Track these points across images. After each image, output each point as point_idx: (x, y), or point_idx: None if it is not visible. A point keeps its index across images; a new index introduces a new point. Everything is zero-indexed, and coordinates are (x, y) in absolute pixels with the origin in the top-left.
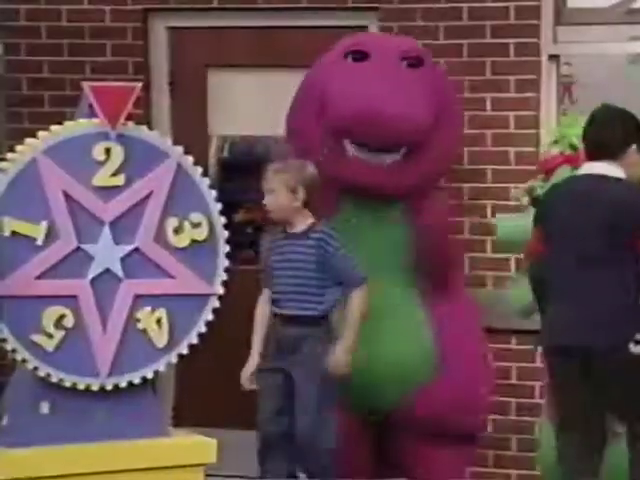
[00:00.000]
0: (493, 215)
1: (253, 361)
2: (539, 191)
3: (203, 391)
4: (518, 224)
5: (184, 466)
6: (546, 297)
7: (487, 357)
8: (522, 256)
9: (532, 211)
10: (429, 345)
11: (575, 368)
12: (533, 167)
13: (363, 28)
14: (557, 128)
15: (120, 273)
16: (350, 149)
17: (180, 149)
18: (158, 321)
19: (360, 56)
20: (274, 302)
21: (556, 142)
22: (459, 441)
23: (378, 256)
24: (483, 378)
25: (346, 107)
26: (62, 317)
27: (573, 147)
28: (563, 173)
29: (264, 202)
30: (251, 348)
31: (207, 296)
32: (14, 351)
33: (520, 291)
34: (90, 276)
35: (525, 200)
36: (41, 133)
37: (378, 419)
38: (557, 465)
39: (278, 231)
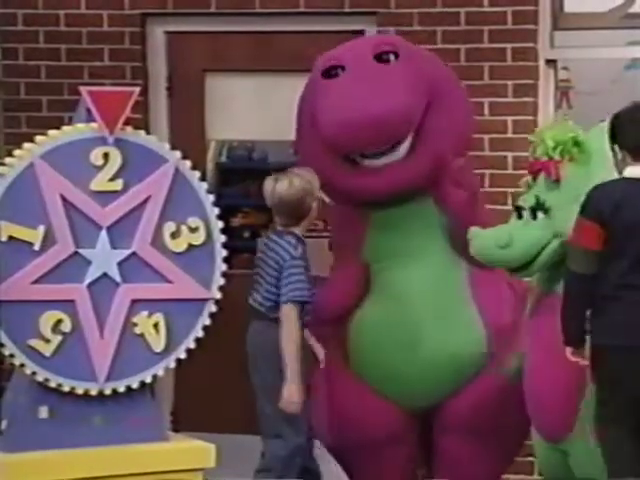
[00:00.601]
0: None
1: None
2: (524, 196)
3: (202, 396)
4: (492, 238)
5: (183, 471)
6: (590, 293)
7: None
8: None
9: (513, 219)
10: (479, 334)
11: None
12: (522, 171)
13: (360, 32)
14: (537, 131)
15: (117, 278)
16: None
17: (178, 154)
18: (155, 326)
19: (335, 71)
20: (306, 311)
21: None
22: (500, 444)
23: (417, 244)
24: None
25: (328, 127)
26: (59, 322)
27: (548, 154)
28: (542, 179)
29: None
30: (294, 371)
31: (204, 300)
32: (12, 356)
33: None
34: (87, 281)
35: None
36: (39, 137)
37: (423, 412)
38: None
39: (301, 240)
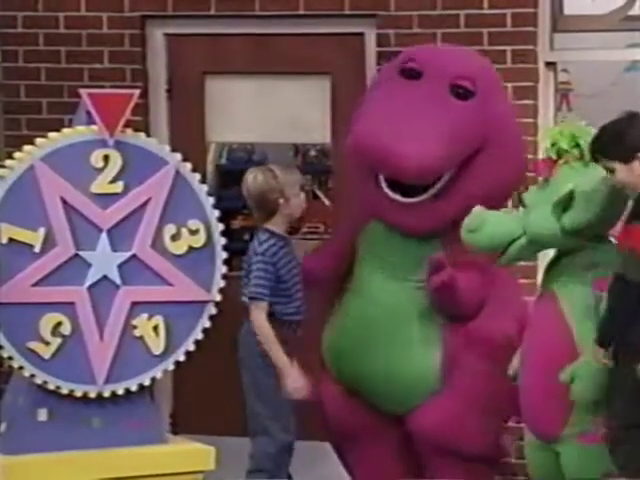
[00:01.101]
0: None
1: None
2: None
3: (201, 398)
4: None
5: (182, 473)
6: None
7: (501, 380)
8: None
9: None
10: (434, 362)
11: None
12: (531, 174)
13: (360, 35)
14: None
15: (117, 280)
16: (382, 183)
17: (178, 156)
18: (155, 328)
19: (412, 73)
20: (294, 310)
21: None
22: (464, 461)
23: (401, 267)
24: (488, 402)
25: (352, 136)
26: (59, 324)
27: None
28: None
29: (304, 202)
30: (284, 362)
31: (204, 303)
32: (10, 358)
33: None
34: (87, 283)
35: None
36: (39, 140)
37: (397, 416)
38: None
39: (276, 236)
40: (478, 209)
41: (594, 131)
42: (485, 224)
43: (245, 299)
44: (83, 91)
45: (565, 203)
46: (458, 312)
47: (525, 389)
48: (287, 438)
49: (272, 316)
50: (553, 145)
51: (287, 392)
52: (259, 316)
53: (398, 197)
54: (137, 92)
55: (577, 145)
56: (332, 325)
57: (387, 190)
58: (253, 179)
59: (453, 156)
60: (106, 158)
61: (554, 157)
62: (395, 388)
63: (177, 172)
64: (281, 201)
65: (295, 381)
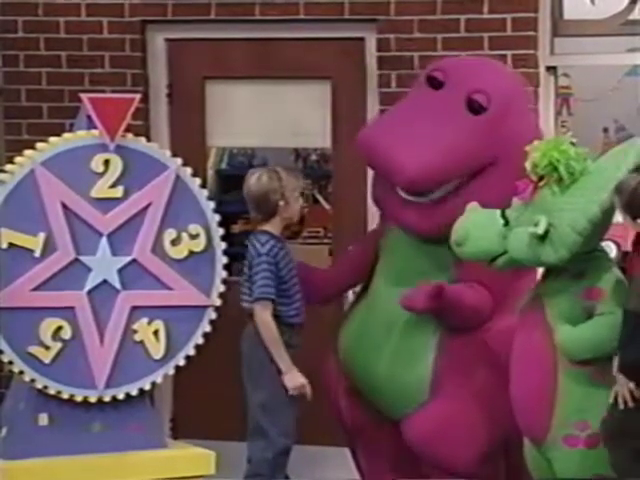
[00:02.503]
0: None
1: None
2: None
3: (201, 403)
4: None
5: (183, 478)
6: None
7: (491, 397)
8: None
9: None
10: (426, 372)
11: None
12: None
13: (361, 40)
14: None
15: (117, 285)
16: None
17: (178, 160)
18: (155, 332)
19: (435, 83)
20: (296, 312)
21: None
22: (449, 475)
23: (406, 273)
24: (474, 417)
25: (359, 138)
26: (59, 329)
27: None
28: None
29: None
30: (287, 361)
31: (204, 307)
32: (11, 363)
33: None
34: (87, 288)
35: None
36: (39, 144)
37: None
38: None
39: (275, 238)
40: (463, 218)
41: (579, 151)
42: (468, 239)
43: (246, 303)
44: (84, 96)
45: (542, 237)
46: (454, 324)
47: (514, 394)
48: (286, 442)
49: (276, 319)
50: (533, 168)
51: (290, 390)
52: (264, 314)
53: (407, 195)
54: (138, 97)
55: (555, 169)
56: (344, 326)
57: (398, 188)
58: (257, 179)
59: (452, 169)
60: (106, 163)
61: (535, 179)
62: (390, 393)
63: (177, 177)
64: (281, 203)
65: (293, 380)
